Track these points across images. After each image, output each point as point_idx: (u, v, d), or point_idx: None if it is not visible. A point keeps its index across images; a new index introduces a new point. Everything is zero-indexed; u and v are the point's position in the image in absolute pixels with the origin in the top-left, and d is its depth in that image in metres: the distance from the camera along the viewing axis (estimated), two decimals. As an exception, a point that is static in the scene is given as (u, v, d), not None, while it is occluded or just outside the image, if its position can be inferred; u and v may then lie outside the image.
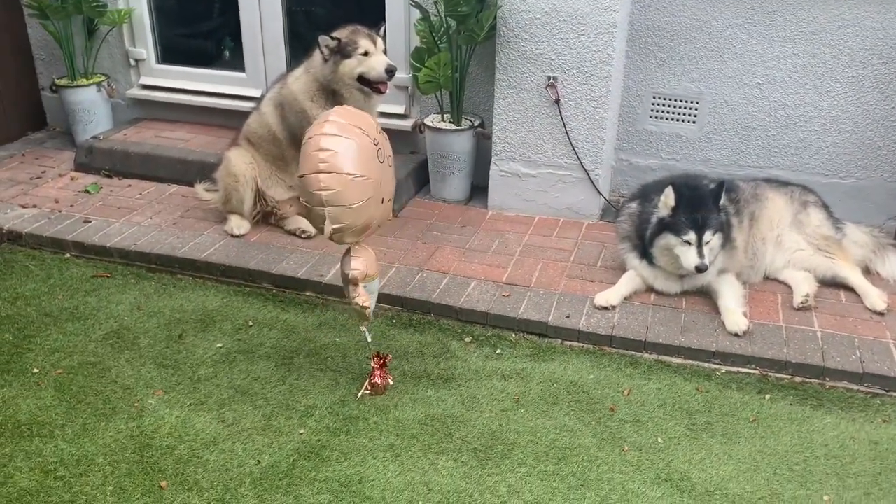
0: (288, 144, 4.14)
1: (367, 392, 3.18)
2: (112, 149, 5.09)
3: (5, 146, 5.58)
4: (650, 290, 3.70)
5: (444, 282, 3.83)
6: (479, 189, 4.73)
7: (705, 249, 3.41)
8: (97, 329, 3.62)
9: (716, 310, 3.54)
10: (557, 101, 4.22)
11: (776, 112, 4.28)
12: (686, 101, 4.43)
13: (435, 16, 4.32)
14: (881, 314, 3.50)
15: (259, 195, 4.27)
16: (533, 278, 3.86)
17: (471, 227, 4.42)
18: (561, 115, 4.24)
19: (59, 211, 4.57)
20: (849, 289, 3.69)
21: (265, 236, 4.27)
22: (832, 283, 3.72)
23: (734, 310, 3.44)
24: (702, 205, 3.41)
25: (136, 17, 5.37)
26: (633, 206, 3.72)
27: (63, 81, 5.41)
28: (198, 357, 3.42)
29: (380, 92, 3.97)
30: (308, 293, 3.87)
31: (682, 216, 3.40)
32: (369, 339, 3.20)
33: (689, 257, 3.41)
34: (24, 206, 4.63)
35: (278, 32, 5.08)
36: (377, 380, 3.19)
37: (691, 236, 3.39)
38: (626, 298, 3.65)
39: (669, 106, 4.47)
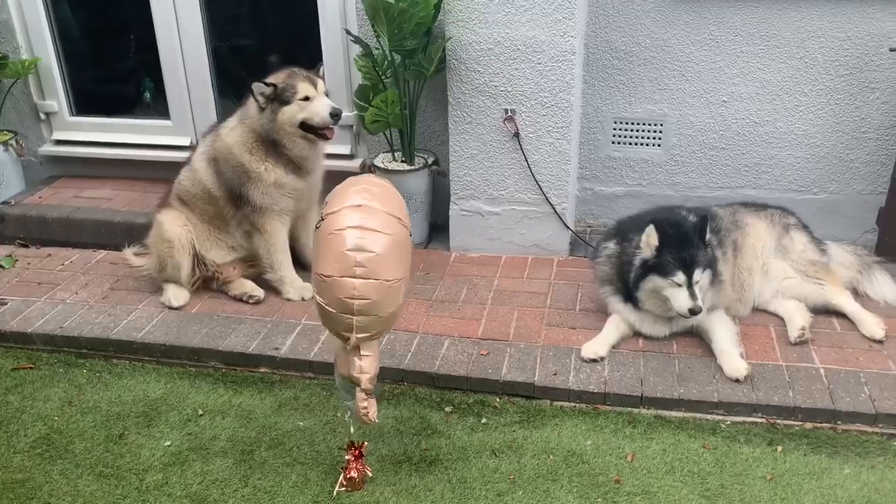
0: (226, 202, 3.74)
1: (344, 488, 2.81)
2: (26, 214, 4.59)
3: None
4: (637, 334, 3.43)
5: (414, 343, 3.48)
6: (438, 229, 4.41)
7: (696, 289, 3.16)
8: (22, 435, 3.15)
9: (710, 352, 3.29)
10: (517, 135, 3.93)
11: (744, 130, 4.09)
12: (649, 125, 4.20)
13: (377, 49, 3.99)
14: (880, 342, 3.31)
15: (197, 260, 3.85)
16: (511, 330, 3.55)
17: (435, 273, 4.09)
18: (521, 148, 3.95)
19: (-29, 292, 4.05)
20: (840, 314, 3.50)
21: (208, 305, 3.85)
22: (823, 310, 3.52)
23: (731, 353, 3.20)
24: (687, 242, 3.16)
25: (43, 67, 4.86)
26: (611, 246, 3.45)
27: (-35, 142, 4.86)
28: (143, 461, 2.99)
29: (326, 138, 3.61)
30: (262, 369, 3.47)
31: (669, 256, 3.15)
32: (352, 431, 2.82)
33: (681, 300, 3.15)
34: (-73, 290, 4.09)
35: (204, 73, 4.66)
36: (353, 473, 2.81)
37: (680, 277, 3.14)
38: (614, 347, 3.38)
39: (632, 130, 4.23)
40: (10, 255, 4.42)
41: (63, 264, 4.34)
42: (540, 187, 4.02)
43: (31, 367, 3.59)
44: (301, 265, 4.08)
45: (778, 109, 4.01)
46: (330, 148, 4.58)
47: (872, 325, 3.34)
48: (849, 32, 3.79)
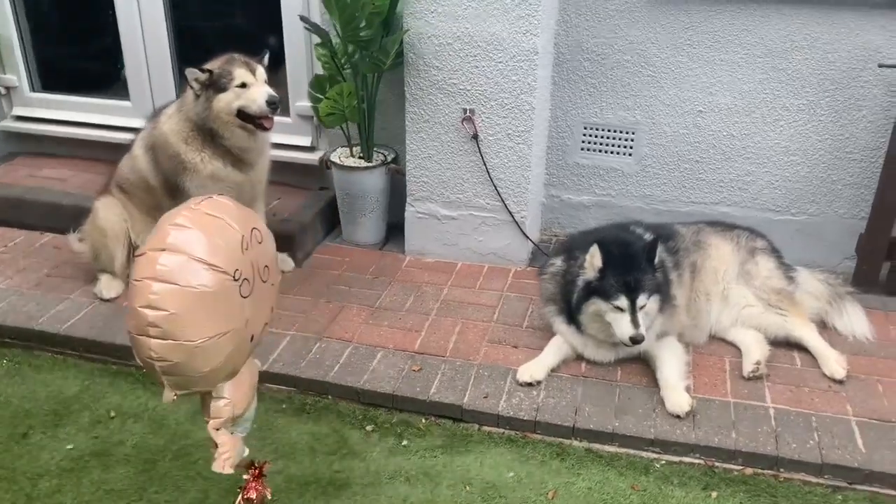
0: (163, 193, 3.55)
1: (242, 509, 2.62)
2: (-24, 194, 4.44)
3: None
4: (581, 357, 3.22)
5: (345, 353, 3.29)
6: (396, 230, 4.20)
7: (640, 316, 2.93)
8: (-75, 429, 3.01)
9: (655, 381, 3.07)
10: (475, 137, 3.71)
11: (720, 143, 3.83)
12: (621, 132, 3.95)
13: (337, 38, 3.77)
14: (840, 382, 3.06)
15: (133, 251, 3.68)
16: (449, 345, 3.35)
17: (384, 277, 3.89)
18: (480, 151, 3.73)
19: None
20: (803, 348, 3.25)
21: None
22: (785, 343, 3.28)
23: (675, 386, 2.97)
24: (634, 264, 2.93)
25: (3, 40, 4.70)
26: (558, 263, 3.23)
27: (-79, 114, 4.73)
28: (41, 464, 2.84)
29: (264, 128, 3.41)
30: (186, 372, 3.29)
31: (612, 279, 2.92)
32: (245, 453, 2.63)
33: (623, 326, 2.93)
34: None
35: (164, 54, 4.49)
36: (252, 494, 2.61)
37: (623, 302, 2.91)
38: (553, 370, 3.16)
39: (603, 137, 3.99)
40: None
41: (6, 246, 4.20)
42: (499, 193, 3.80)
43: (-48, 356, 3.45)
44: (246, 261, 3.91)
45: (757, 123, 3.75)
46: (289, 139, 4.44)
47: (834, 363, 3.10)
48: (836, 45, 3.52)
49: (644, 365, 3.17)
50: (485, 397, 3.04)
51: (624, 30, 3.72)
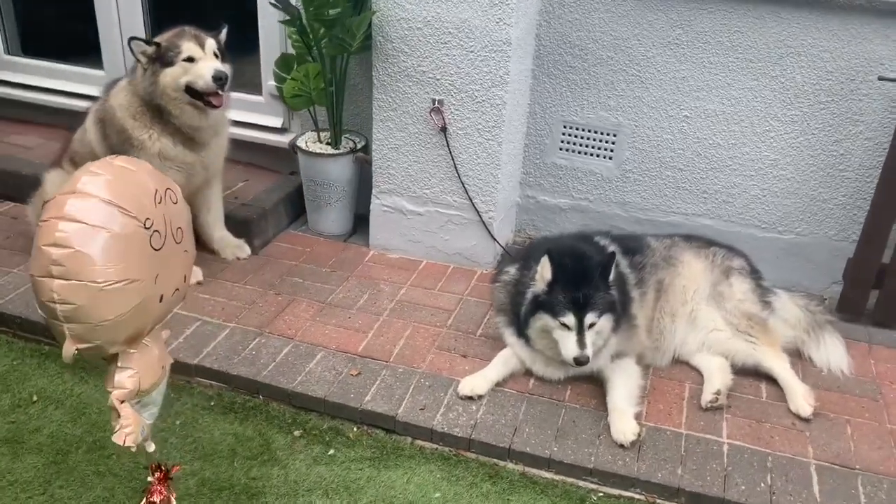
0: (112, 170, 3.38)
1: (144, 513, 2.47)
2: (-60, 157, 4.32)
3: None
4: (530, 373, 3.02)
5: (284, 351, 3.12)
6: (364, 221, 4.01)
7: (588, 336, 2.72)
8: None
9: (606, 405, 2.86)
10: (444, 129, 3.50)
11: (706, 151, 3.59)
12: (601, 133, 3.72)
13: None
14: (806, 420, 2.83)
15: (82, 227, 3.53)
16: (395, 349, 3.16)
17: (342, 272, 3.71)
18: (448, 145, 3.53)
19: None
20: (772, 379, 3.02)
21: None
22: (753, 372, 3.05)
23: (623, 411, 2.77)
24: (585, 280, 2.71)
25: (-21, 0, 4.57)
26: (512, 271, 3.03)
27: None
28: (-51, 449, 2.71)
29: (213, 105, 3.22)
30: (118, 359, 3.14)
31: (561, 294, 2.71)
32: (152, 450, 2.47)
33: (568, 345, 2.72)
34: None
35: (138, 21, 4.31)
36: (156, 498, 2.46)
37: (570, 319, 2.70)
38: (499, 384, 2.97)
39: (582, 137, 3.76)
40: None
41: (-37, 213, 4.09)
42: (466, 191, 3.59)
43: None
44: (203, 247, 3.76)
45: (746, 133, 3.50)
46: (259, 118, 4.27)
47: (801, 398, 2.87)
48: (835, 53, 3.25)
49: (597, 385, 2.96)
50: (421, 409, 2.85)
51: (609, 24, 3.48)
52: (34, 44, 4.81)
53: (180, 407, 2.95)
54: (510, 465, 2.72)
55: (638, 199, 3.77)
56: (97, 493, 2.57)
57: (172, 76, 3.14)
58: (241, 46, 4.38)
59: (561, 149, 3.81)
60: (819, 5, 3.18)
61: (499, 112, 3.39)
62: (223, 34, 3.31)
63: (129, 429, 2.16)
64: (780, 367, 2.99)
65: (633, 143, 3.67)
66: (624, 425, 2.71)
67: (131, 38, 3.13)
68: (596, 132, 3.72)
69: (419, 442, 2.82)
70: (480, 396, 2.90)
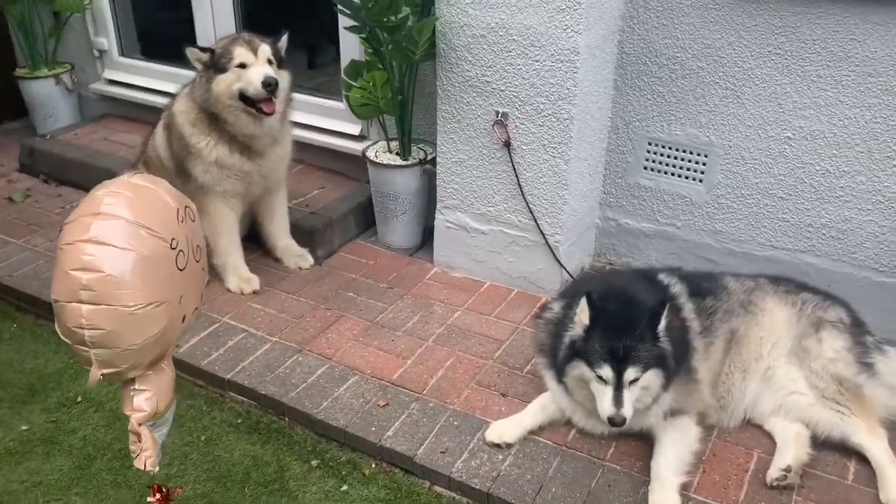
0: (175, 175, 3.40)
1: (142, 532, 2.44)
2: (51, 151, 4.60)
3: (-27, 135, 5.23)
4: (571, 422, 2.71)
5: (317, 373, 3.00)
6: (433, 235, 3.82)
7: (628, 393, 2.37)
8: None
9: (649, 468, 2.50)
10: (508, 144, 3.24)
11: (812, 179, 3.08)
12: (691, 153, 3.30)
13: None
14: (897, 515, 2.34)
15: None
16: (431, 380, 2.96)
17: (399, 289, 3.55)
18: (512, 161, 3.26)
19: (-33, 224, 4.12)
20: (866, 458, 2.52)
21: None
22: (841, 446, 2.57)
23: (666, 480, 2.40)
24: (628, 328, 2.36)
25: (97, 5, 4.80)
26: (556, 308, 2.71)
27: (23, 71, 4.97)
28: (-11, 440, 2.81)
29: (264, 112, 3.15)
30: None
31: (598, 342, 2.38)
32: (156, 470, 2.42)
33: (604, 402, 2.39)
34: (-65, 215, 4.21)
35: (230, 26, 4.35)
36: (154, 519, 2.43)
37: (607, 372, 2.37)
38: (533, 432, 2.68)
39: (669, 157, 3.35)
40: (24, 191, 4.44)
41: (63, 207, 4.30)
42: (531, 211, 3.31)
43: (-30, 311, 3.55)
44: (268, 255, 3.73)
45: (861, 159, 2.96)
46: (338, 126, 4.18)
47: (894, 488, 2.36)
48: (977, 67, 2.67)
49: (646, 444, 2.61)
50: (442, 452, 2.63)
51: (700, 30, 3.06)
52: (146, 46, 5.01)
53: (209, 422, 2.91)
54: (530, 528, 2.44)
55: (731, 228, 3.32)
56: (112, 502, 2.56)
57: (225, 83, 3.10)
58: (329, 52, 4.34)
59: (645, 168, 3.42)
60: (959, 9, 2.62)
61: (565, 127, 3.07)
62: (282, 41, 3.23)
63: (148, 453, 2.13)
64: (874, 444, 2.49)
65: (726, 165, 3.23)
66: (662, 497, 2.35)
67: (187, 46, 3.12)
68: (684, 151, 3.30)
69: (437, 488, 2.60)
70: (509, 445, 2.63)
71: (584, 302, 2.40)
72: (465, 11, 3.09)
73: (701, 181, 3.32)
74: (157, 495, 2.41)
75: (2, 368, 3.18)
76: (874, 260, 3.09)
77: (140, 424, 2.10)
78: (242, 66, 3.08)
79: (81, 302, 1.81)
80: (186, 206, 2.10)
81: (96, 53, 4.98)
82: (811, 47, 2.89)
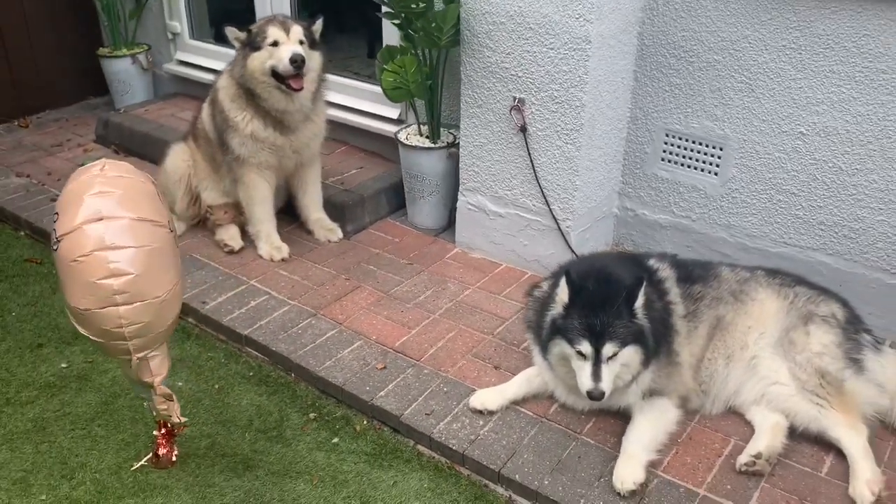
0: (217, 146, 3.69)
1: (149, 463, 2.68)
2: (122, 124, 4.99)
3: (61, 109, 5.71)
4: (553, 396, 2.80)
5: (326, 335, 3.20)
6: (459, 218, 3.97)
7: (606, 368, 2.45)
8: None
9: (624, 445, 2.58)
10: (524, 129, 3.35)
11: (825, 176, 3.06)
12: (706, 146, 3.32)
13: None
14: (864, 510, 2.33)
15: (194, 197, 3.89)
16: (431, 350, 3.11)
17: (418, 265, 3.71)
18: (527, 146, 3.36)
19: (43, 185, 4.53)
20: (843, 452, 2.52)
21: (191, 244, 3.87)
22: (819, 440, 2.57)
23: (633, 455, 2.47)
24: (605, 305, 2.44)
25: (172, -11, 5.18)
26: (544, 287, 2.81)
27: (105, 50, 5.39)
28: (35, 375, 3.14)
29: (292, 88, 3.36)
30: (190, 319, 3.43)
31: (577, 319, 2.46)
32: (155, 414, 2.66)
33: (583, 377, 2.47)
34: (18, 175, 4.65)
35: (286, 11, 4.62)
36: (161, 451, 2.67)
37: (586, 348, 2.45)
38: (517, 403, 2.79)
39: (685, 149, 3.38)
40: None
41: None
42: (544, 196, 3.41)
43: (37, 262, 3.92)
44: (301, 227, 3.96)
45: (874, 157, 2.92)
46: (378, 110, 4.37)
47: (863, 483, 2.36)
48: None
49: (624, 422, 2.67)
50: (427, 414, 2.78)
51: (716, 24, 3.08)
52: (218, 31, 5.34)
53: (224, 373, 3.15)
54: (500, 490, 2.56)
55: (745, 223, 3.32)
56: (125, 436, 2.83)
57: (259, 60, 3.33)
58: (373, 32, 4.53)
59: (663, 160, 3.46)
60: (975, 5, 2.56)
61: (577, 114, 3.16)
62: (317, 24, 3.44)
63: (177, 408, 2.40)
64: (851, 439, 2.48)
65: (740, 159, 3.24)
66: (627, 471, 2.42)
67: (226, 25, 3.36)
68: (700, 144, 3.33)
69: (420, 447, 2.75)
70: (491, 412, 2.75)
71: (563, 281, 2.50)
72: (487, -1, 3.22)
73: (716, 174, 3.33)
74: (163, 430, 2.67)
75: (54, 314, 3.52)
76: (886, 261, 3.04)
77: (164, 388, 2.34)
78: (275, 44, 3.30)
79: (117, 305, 2.00)
80: (153, 181, 2.28)
81: (170, 36, 5.35)
82: (825, 42, 2.87)
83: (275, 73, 3.34)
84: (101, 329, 2.08)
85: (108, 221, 2.00)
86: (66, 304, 2.14)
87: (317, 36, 3.46)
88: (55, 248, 2.06)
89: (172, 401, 2.42)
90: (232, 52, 4.94)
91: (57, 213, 2.09)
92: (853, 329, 2.69)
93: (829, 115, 2.96)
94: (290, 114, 3.48)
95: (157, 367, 2.32)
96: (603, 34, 3.05)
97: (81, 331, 2.16)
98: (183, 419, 2.46)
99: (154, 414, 2.56)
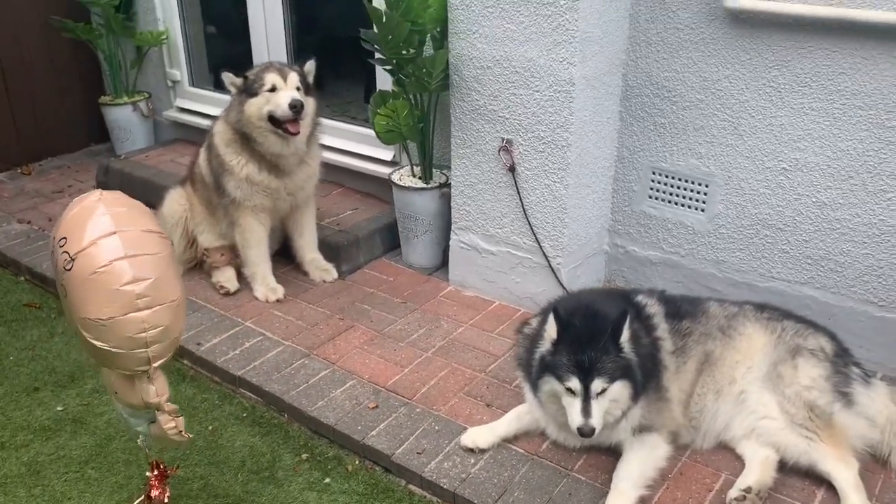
0: (213, 190, 3.76)
1: (140, 504, 2.70)
2: (122, 170, 5.07)
3: (63, 156, 5.81)
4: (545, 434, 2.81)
5: (319, 375, 3.22)
6: (453, 257, 4.01)
7: (596, 404, 2.46)
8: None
9: (616, 481, 2.58)
10: (512, 169, 3.41)
11: (809, 210, 3.10)
12: (692, 183, 3.37)
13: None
14: (855, 545, 2.33)
15: (191, 241, 3.95)
16: (423, 388, 3.12)
17: (412, 304, 3.74)
18: (516, 185, 3.42)
19: (44, 230, 4.60)
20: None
21: (187, 287, 3.77)
22: (811, 474, 2.57)
23: (623, 492, 2.47)
24: (592, 341, 2.46)
25: (172, 40, 5.31)
26: (534, 324, 2.84)
27: (107, 98, 5.52)
28: (31, 419, 3.16)
29: (290, 133, 3.44)
30: (185, 361, 3.46)
31: (564, 356, 2.48)
32: (149, 453, 2.69)
33: (573, 413, 2.48)
34: (20, 221, 4.73)
35: (282, 58, 4.74)
36: (153, 493, 2.68)
37: (575, 384, 2.47)
38: (508, 441, 2.80)
39: (672, 186, 3.44)
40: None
41: (126, 220, 4.73)
42: (534, 233, 3.46)
43: (36, 307, 3.97)
44: (297, 268, 4.01)
45: (856, 192, 2.97)
46: (372, 152, 4.46)
47: (853, 516, 2.36)
48: (967, 101, 2.67)
49: (615, 458, 2.68)
50: (419, 453, 2.78)
51: (698, 64, 3.16)
52: (217, 78, 5.46)
53: (218, 414, 3.17)
54: (491, 529, 2.56)
55: (733, 258, 3.36)
56: (119, 479, 2.84)
57: (257, 105, 3.42)
58: (369, 78, 4.63)
59: (650, 197, 3.51)
60: (947, 43, 2.63)
61: (563, 154, 3.22)
62: (309, 65, 3.54)
63: (181, 422, 2.43)
64: (841, 472, 2.48)
65: (726, 195, 3.29)
66: (617, 507, 2.42)
67: (222, 72, 3.46)
68: (686, 181, 3.38)
69: (412, 486, 2.75)
70: (482, 450, 2.76)
71: (551, 317, 2.53)
72: (474, 45, 3.31)
73: (703, 210, 3.38)
74: (156, 471, 2.68)
75: (51, 358, 3.55)
76: (873, 294, 3.06)
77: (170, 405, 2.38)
78: (273, 89, 3.39)
79: (139, 309, 2.10)
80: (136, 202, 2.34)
81: (170, 83, 5.48)
82: (803, 80, 2.94)
83: (271, 118, 3.42)
84: (123, 337, 2.14)
85: (121, 234, 2.12)
86: (80, 322, 2.17)
87: (310, 79, 3.56)
88: (69, 267, 2.13)
89: (180, 416, 2.45)
90: (219, 95, 5.19)
91: (65, 238, 2.17)
92: (842, 362, 2.71)
93: (811, 151, 3.02)
94: (285, 157, 3.56)
95: (162, 386, 2.38)
96: (587, 76, 3.13)
97: (99, 345, 2.18)
98: (185, 436, 2.46)
99: (148, 452, 2.59)
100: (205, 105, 5.32)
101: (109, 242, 2.11)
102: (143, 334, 2.12)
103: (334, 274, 3.96)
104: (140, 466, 2.88)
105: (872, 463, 2.63)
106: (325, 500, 2.71)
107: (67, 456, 2.96)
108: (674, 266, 3.54)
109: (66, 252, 2.15)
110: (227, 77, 3.45)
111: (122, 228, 2.15)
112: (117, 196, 2.29)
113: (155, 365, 2.26)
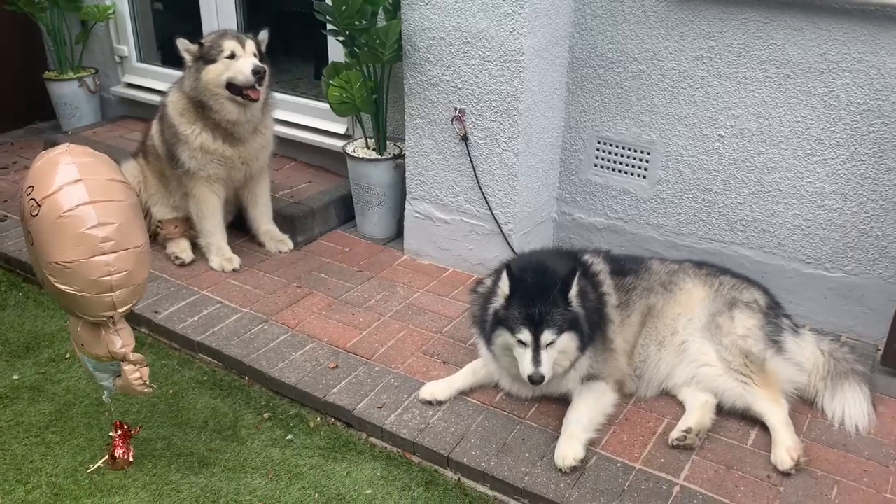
0: (166, 161, 3.77)
1: (106, 465, 2.73)
2: (70, 146, 5.00)
3: (7, 133, 5.69)
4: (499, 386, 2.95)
5: (278, 339, 3.29)
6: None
7: (545, 354, 2.60)
8: None
9: (567, 427, 2.73)
10: (465, 138, 3.52)
11: (743, 174, 3.30)
12: (635, 150, 3.54)
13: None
14: (785, 475, 2.52)
15: (146, 212, 3.95)
16: (381, 349, 3.22)
17: (368, 272, 3.83)
18: (469, 154, 3.54)
19: (-11, 206, 4.53)
20: (767, 427, 2.71)
21: None
22: (747, 416, 2.76)
23: (573, 435, 2.62)
24: (542, 295, 2.60)
25: (120, 15, 5.26)
26: (487, 283, 2.96)
27: (51, 74, 5.43)
28: (-13, 388, 3.15)
29: (251, 99, 3.49)
30: (143, 330, 3.48)
31: (516, 310, 2.62)
32: (113, 410, 2.74)
33: (524, 363, 2.62)
34: (-37, 197, 4.64)
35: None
36: (118, 453, 2.73)
37: (526, 336, 2.60)
38: (465, 393, 2.93)
39: (616, 154, 3.60)
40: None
41: (76, 195, 4.69)
42: (486, 201, 3.58)
43: (-14, 281, 3.93)
44: (252, 239, 4.05)
45: (786, 156, 3.18)
46: (325, 125, 4.51)
47: (783, 451, 2.55)
48: (883, 69, 2.88)
49: (565, 407, 2.82)
50: (379, 407, 2.89)
51: (640, 36, 3.32)
52: (165, 54, 5.43)
53: (178, 378, 3.21)
54: (449, 474, 2.68)
55: (673, 222, 3.54)
56: (80, 441, 2.87)
57: (215, 72, 3.44)
58: (319, 55, 4.68)
59: (595, 165, 3.67)
60: (864, 15, 2.83)
61: (514, 123, 3.35)
62: (262, 35, 3.58)
63: (146, 371, 2.50)
64: (773, 412, 2.67)
65: (666, 162, 3.46)
66: (567, 450, 2.57)
67: (177, 38, 3.47)
68: (629, 149, 3.55)
69: (373, 439, 2.85)
70: (440, 402, 2.88)
71: (504, 275, 2.66)
72: (427, 16, 3.40)
73: (645, 177, 3.55)
74: (119, 431, 2.73)
75: (3, 329, 3.53)
76: (802, 252, 3.28)
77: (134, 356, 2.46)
78: (232, 56, 3.42)
79: (104, 253, 2.18)
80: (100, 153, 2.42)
81: (118, 59, 5.42)
82: (737, 51, 3.13)
83: (229, 85, 3.46)
84: (88, 281, 2.21)
85: (86, 182, 2.20)
86: (47, 267, 2.23)
87: (263, 48, 3.60)
88: (35, 213, 2.20)
89: (146, 366, 2.51)
90: (180, 74, 5.16)
91: (31, 186, 2.24)
92: (773, 314, 2.91)
93: (744, 118, 3.21)
94: (240, 125, 3.59)
95: (127, 337, 2.46)
96: (535, 47, 3.26)
97: (65, 289, 2.24)
98: (149, 387, 2.52)
99: (112, 411, 2.64)
100: (153, 81, 5.28)
101: (75, 189, 2.18)
102: (108, 278, 2.20)
103: (290, 244, 4.02)
104: (102, 430, 2.92)
105: (800, 404, 2.83)
106: (288, 455, 2.80)
107: (27, 422, 2.97)
108: (618, 231, 3.70)
109: (33, 199, 2.22)
110: (183, 43, 3.47)
111: (88, 177, 2.23)
112: (83, 148, 2.37)
113: (120, 311, 2.32)
